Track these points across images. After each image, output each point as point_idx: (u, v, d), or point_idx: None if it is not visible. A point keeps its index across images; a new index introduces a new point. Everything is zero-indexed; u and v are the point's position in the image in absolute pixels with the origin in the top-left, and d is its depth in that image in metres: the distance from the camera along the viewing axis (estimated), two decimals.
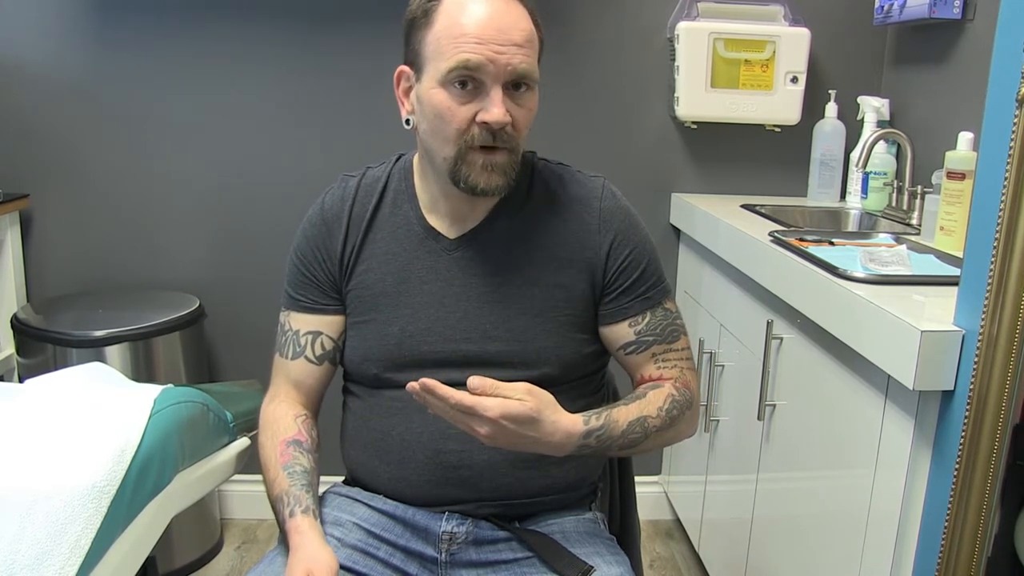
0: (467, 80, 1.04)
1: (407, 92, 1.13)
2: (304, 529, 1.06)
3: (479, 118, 1.05)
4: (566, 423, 1.03)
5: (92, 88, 2.18)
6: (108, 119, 2.20)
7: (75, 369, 1.39)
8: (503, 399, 0.98)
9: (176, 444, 1.21)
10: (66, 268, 2.26)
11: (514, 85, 1.06)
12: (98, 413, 1.18)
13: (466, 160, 1.07)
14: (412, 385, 0.97)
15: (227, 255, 2.28)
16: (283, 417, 1.19)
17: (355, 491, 1.23)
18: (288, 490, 1.10)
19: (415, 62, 1.10)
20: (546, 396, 1.02)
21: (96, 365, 1.46)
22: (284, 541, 1.10)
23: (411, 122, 1.14)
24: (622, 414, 1.10)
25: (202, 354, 2.20)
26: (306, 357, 1.21)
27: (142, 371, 1.99)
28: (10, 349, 2.10)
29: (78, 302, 2.16)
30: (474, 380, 0.97)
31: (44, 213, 2.23)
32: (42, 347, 1.96)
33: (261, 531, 2.36)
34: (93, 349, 1.93)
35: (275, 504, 1.12)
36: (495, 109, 1.04)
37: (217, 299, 2.26)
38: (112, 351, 1.95)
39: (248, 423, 1.41)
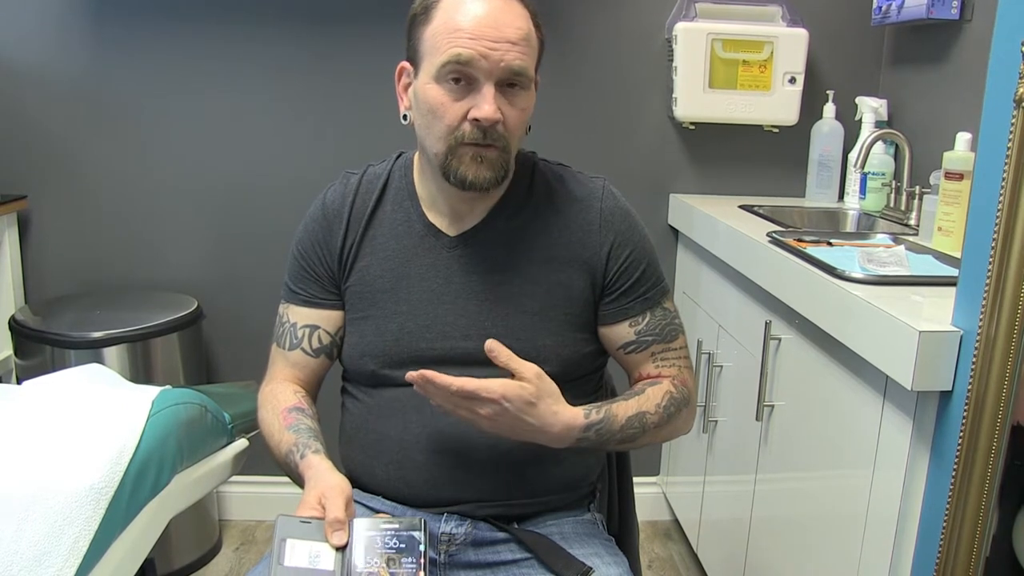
0: (460, 76, 1.05)
1: (406, 88, 1.14)
2: (315, 463, 1.05)
3: (470, 115, 1.05)
4: (567, 415, 1.05)
5: (91, 88, 2.18)
6: (107, 119, 2.19)
7: (73, 370, 1.39)
8: (505, 380, 1.00)
9: (174, 445, 1.21)
10: (64, 269, 2.26)
11: (508, 84, 1.06)
12: (96, 414, 1.17)
13: (456, 154, 1.07)
14: (412, 375, 0.99)
15: (225, 256, 2.28)
16: (282, 392, 1.20)
17: (354, 492, 1.22)
18: (296, 441, 1.10)
19: (413, 58, 1.11)
20: (551, 386, 1.04)
21: (94, 366, 1.46)
22: None
23: (408, 117, 1.14)
24: (621, 409, 1.11)
25: (200, 355, 2.20)
26: (303, 349, 1.21)
27: (140, 372, 1.99)
28: (8, 351, 2.10)
29: (76, 303, 2.15)
30: (491, 343, 0.99)
31: (42, 214, 2.23)
32: (40, 348, 1.96)
33: (260, 532, 2.36)
34: (91, 350, 1.92)
35: (285, 461, 1.11)
36: (486, 106, 1.04)
37: (215, 300, 2.26)
38: (110, 352, 1.94)
39: (247, 424, 1.41)
